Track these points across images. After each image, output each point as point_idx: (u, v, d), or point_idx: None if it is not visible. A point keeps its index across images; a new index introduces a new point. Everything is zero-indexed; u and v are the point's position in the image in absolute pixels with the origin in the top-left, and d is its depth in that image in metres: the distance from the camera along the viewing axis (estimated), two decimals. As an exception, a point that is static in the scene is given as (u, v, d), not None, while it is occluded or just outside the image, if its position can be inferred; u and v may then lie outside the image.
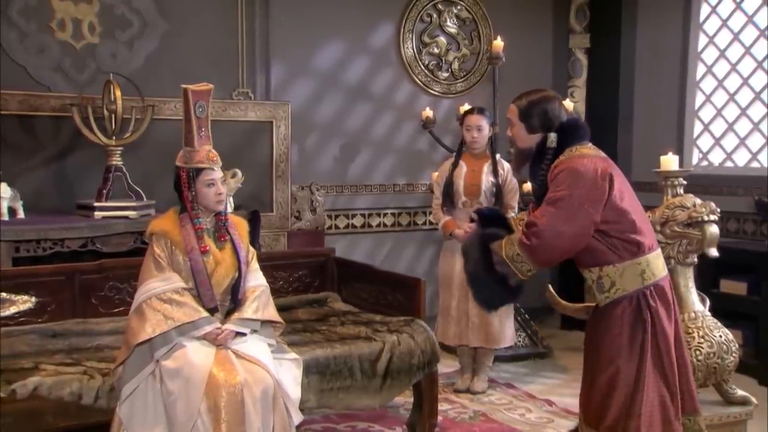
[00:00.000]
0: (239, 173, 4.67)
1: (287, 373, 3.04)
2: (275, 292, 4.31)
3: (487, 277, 2.71)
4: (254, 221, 4.69)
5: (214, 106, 4.85)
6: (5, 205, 4.10)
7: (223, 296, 3.00)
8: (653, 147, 5.39)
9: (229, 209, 4.64)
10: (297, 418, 2.98)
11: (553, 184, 2.57)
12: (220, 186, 2.99)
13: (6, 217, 4.09)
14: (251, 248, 3.18)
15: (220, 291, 2.98)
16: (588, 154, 2.61)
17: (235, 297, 3.01)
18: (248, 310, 3.00)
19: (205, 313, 2.88)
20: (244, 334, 2.97)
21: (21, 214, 4.20)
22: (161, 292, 2.85)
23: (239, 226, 3.13)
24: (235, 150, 4.92)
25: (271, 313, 3.10)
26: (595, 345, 2.65)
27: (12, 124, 4.43)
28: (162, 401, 2.78)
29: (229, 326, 2.94)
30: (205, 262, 2.94)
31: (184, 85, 2.93)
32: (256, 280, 3.12)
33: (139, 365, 2.79)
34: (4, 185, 4.10)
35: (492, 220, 2.86)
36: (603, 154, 2.67)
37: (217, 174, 2.98)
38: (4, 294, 1.60)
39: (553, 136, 2.66)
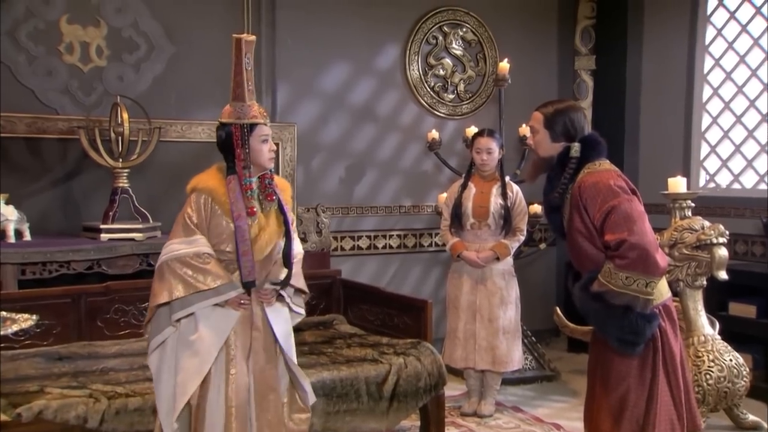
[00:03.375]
0: (245, 195, 4.69)
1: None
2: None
3: (614, 317, 2.53)
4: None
5: (220, 128, 4.91)
6: (12, 227, 4.12)
7: (261, 265, 2.82)
8: (660, 169, 5.42)
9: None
10: (311, 397, 2.96)
11: (593, 201, 2.56)
12: (271, 141, 2.86)
13: (12, 240, 4.11)
14: (290, 212, 3.02)
15: (261, 258, 2.80)
16: (612, 170, 2.66)
17: (287, 262, 2.87)
18: (292, 275, 2.90)
19: (226, 279, 2.75)
20: (282, 298, 2.88)
21: (27, 237, 4.22)
22: (182, 255, 2.73)
23: (285, 189, 2.98)
24: (241, 172, 4.94)
25: (304, 283, 3.01)
26: (602, 364, 2.64)
27: (19, 147, 4.47)
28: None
29: (269, 286, 2.85)
30: (249, 227, 2.78)
31: (235, 35, 2.82)
32: (299, 245, 3.04)
33: (162, 325, 2.77)
34: (11, 207, 4.13)
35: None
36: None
37: (269, 129, 2.86)
38: (4, 312, 1.62)
39: (576, 146, 2.67)
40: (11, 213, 4.12)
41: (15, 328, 1.51)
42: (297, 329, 4.06)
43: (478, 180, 4.49)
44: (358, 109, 5.61)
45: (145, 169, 4.69)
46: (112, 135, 4.41)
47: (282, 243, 2.87)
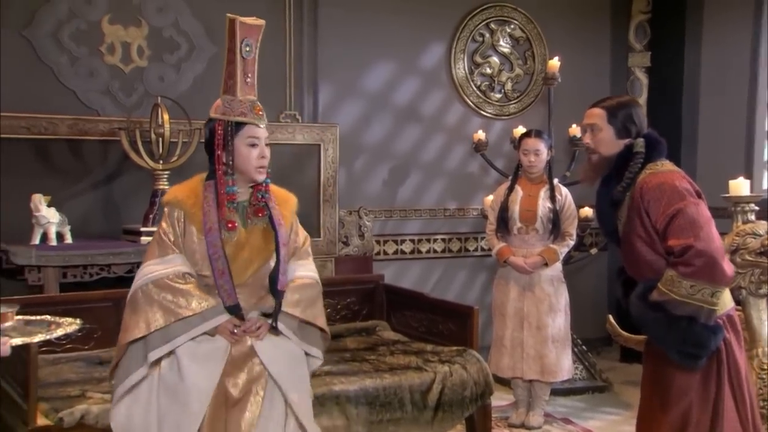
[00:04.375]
0: (286, 197, 4.73)
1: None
2: (322, 319, 4.36)
3: (675, 328, 2.45)
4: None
5: (261, 129, 4.97)
6: (54, 230, 4.21)
7: (250, 291, 2.47)
8: (720, 171, 5.29)
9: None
10: None
11: (656, 204, 2.50)
12: (264, 148, 2.48)
13: (54, 242, 4.20)
14: (302, 231, 2.66)
15: (240, 281, 2.43)
16: (676, 171, 2.60)
17: (273, 288, 2.46)
18: (285, 302, 2.48)
19: (213, 302, 2.39)
20: (276, 329, 2.48)
21: (68, 239, 4.31)
22: (159, 277, 2.38)
23: (284, 203, 2.59)
24: (282, 174, 4.96)
25: (316, 315, 2.57)
26: (660, 377, 2.57)
27: (61, 149, 4.57)
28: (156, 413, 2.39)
29: (255, 315, 2.47)
30: (225, 243, 2.41)
31: (230, 15, 2.51)
32: (307, 269, 2.61)
33: (133, 366, 2.38)
34: (53, 210, 4.23)
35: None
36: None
37: (263, 132, 2.49)
38: (47, 316, 1.67)
39: (641, 141, 2.61)
40: (53, 215, 4.21)
41: (60, 332, 1.55)
42: (338, 335, 4.09)
43: (525, 182, 4.46)
44: (401, 109, 5.62)
45: (185, 171, 4.74)
46: (153, 136, 4.49)
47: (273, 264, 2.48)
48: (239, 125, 2.45)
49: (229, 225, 2.43)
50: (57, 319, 1.68)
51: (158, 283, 2.38)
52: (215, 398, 2.38)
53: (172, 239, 2.45)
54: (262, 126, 2.49)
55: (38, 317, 1.68)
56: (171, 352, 2.38)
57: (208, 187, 2.46)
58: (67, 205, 4.47)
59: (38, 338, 1.54)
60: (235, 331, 2.44)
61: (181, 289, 2.38)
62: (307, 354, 2.59)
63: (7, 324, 1.55)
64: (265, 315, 2.49)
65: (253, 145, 2.46)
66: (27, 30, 4.52)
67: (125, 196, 4.77)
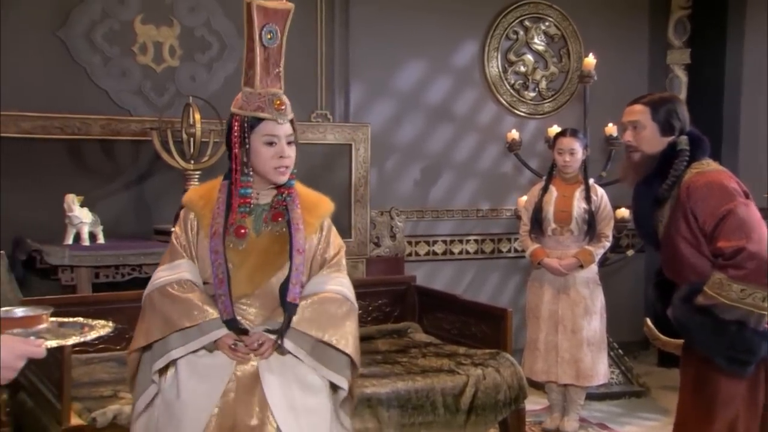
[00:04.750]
0: (317, 198, 4.74)
1: None
2: (353, 321, 4.37)
3: (723, 334, 2.39)
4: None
5: (292, 129, 5.00)
6: (86, 230, 4.28)
7: (261, 303, 2.25)
8: (762, 171, 5.22)
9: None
10: None
11: (704, 204, 2.44)
12: (285, 147, 2.24)
13: (87, 242, 4.27)
14: (336, 241, 2.38)
15: (249, 291, 2.23)
16: (722, 170, 2.55)
17: (283, 300, 2.21)
18: (298, 317, 2.21)
19: (214, 313, 2.18)
20: (282, 348, 2.21)
21: (101, 239, 4.37)
22: (162, 285, 2.23)
23: (313, 207, 2.34)
24: (313, 174, 5.00)
25: (340, 337, 2.25)
26: (703, 384, 2.50)
27: (93, 149, 4.64)
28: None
29: (260, 331, 2.22)
30: (230, 249, 2.21)
31: None
32: (337, 283, 2.32)
33: (147, 379, 2.26)
34: (85, 210, 4.29)
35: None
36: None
37: (284, 129, 2.25)
38: (80, 318, 1.68)
39: (685, 139, 2.56)
40: (86, 215, 4.28)
41: (93, 335, 1.56)
42: (369, 337, 4.10)
43: (560, 183, 4.43)
44: (434, 108, 5.61)
45: (216, 171, 4.76)
46: (184, 136, 4.54)
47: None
48: (256, 121, 2.24)
49: (241, 231, 2.22)
50: (90, 321, 1.69)
51: (162, 291, 2.23)
52: (221, 426, 2.16)
53: (184, 243, 2.30)
54: (282, 122, 2.24)
55: (71, 319, 1.69)
56: (173, 365, 2.22)
57: (223, 188, 2.28)
58: (99, 205, 4.54)
59: (72, 341, 1.56)
60: (236, 346, 2.21)
61: (180, 298, 2.19)
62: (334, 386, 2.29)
63: (42, 326, 1.57)
64: (272, 331, 2.23)
65: (271, 143, 2.23)
66: (61, 30, 4.59)
67: (157, 196, 4.82)
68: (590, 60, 4.97)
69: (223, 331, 2.20)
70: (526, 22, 5.81)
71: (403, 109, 5.53)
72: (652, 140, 2.60)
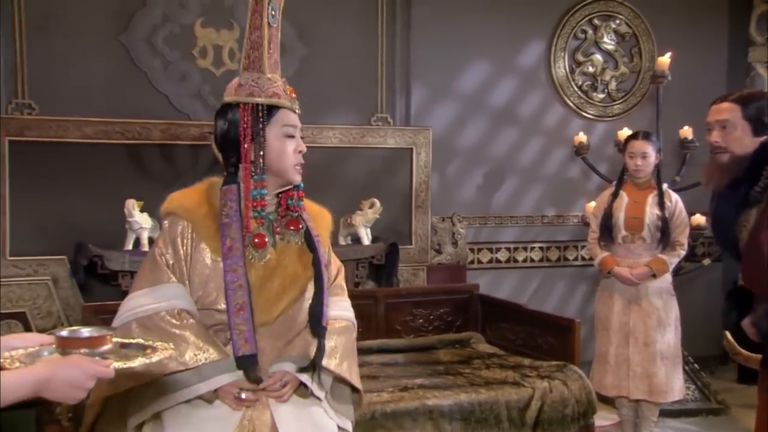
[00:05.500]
0: (377, 203, 4.77)
1: None
2: (414, 330, 4.38)
3: None
4: (392, 254, 4.77)
5: (351, 133, 5.03)
6: (146, 235, 4.37)
7: (274, 332, 1.93)
8: None
9: (366, 241, 4.75)
10: None
11: None
12: (301, 142, 2.02)
13: (147, 248, 4.35)
14: (336, 260, 2.17)
15: (270, 317, 1.91)
16: None
17: (317, 327, 1.93)
18: (323, 354, 1.94)
19: (215, 354, 1.85)
20: (305, 387, 1.93)
21: (160, 244, 4.44)
22: (146, 315, 1.86)
23: (320, 218, 2.11)
24: (373, 179, 5.03)
25: (352, 369, 2.02)
26: None
27: (153, 153, 4.73)
28: None
29: (286, 368, 1.91)
30: (250, 267, 1.90)
31: None
32: (342, 308, 2.09)
33: None
34: (145, 215, 4.38)
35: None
36: None
37: (299, 121, 2.03)
38: (141, 340, 1.68)
39: None
40: (146, 221, 4.37)
41: (156, 357, 1.58)
42: (431, 347, 4.09)
43: (631, 188, 4.35)
44: (497, 111, 5.57)
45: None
46: (243, 141, 4.59)
47: (308, 295, 1.96)
48: (270, 110, 1.96)
49: (256, 240, 1.91)
50: (152, 342, 1.69)
51: (144, 322, 1.85)
52: None
53: (171, 262, 1.93)
54: (297, 111, 2.03)
55: (133, 340, 1.70)
56: (155, 419, 1.88)
57: (228, 194, 1.93)
58: (158, 211, 4.61)
59: (137, 362, 1.58)
60: (243, 396, 1.86)
61: (173, 334, 1.83)
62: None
63: (107, 347, 1.60)
64: (301, 370, 1.94)
65: (290, 136, 1.98)
66: (123, 35, 4.71)
67: (215, 201, 4.88)
68: (664, 59, 4.87)
69: (229, 377, 1.84)
70: (596, 21, 5.73)
71: (466, 112, 5.50)
72: (742, 140, 2.52)
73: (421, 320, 4.31)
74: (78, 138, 4.43)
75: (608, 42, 5.77)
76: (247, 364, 1.84)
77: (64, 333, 1.62)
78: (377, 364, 3.84)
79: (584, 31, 5.72)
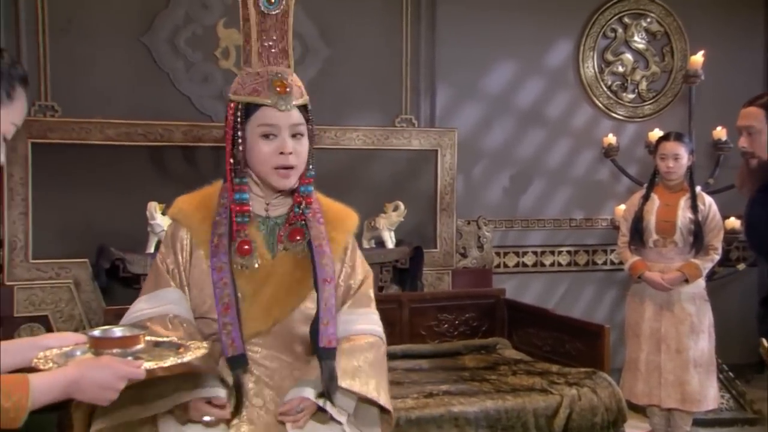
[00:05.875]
0: (401, 206, 4.75)
1: None
2: (439, 335, 4.36)
3: None
4: (417, 258, 4.75)
5: (375, 134, 5.02)
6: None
7: (273, 344, 1.89)
8: None
9: (390, 245, 4.73)
10: None
11: None
12: (287, 140, 1.85)
13: (168, 250, 4.36)
14: (362, 265, 2.05)
15: (263, 328, 1.87)
16: None
17: (315, 346, 1.86)
18: (342, 371, 1.86)
19: (207, 360, 1.79)
20: (324, 411, 1.86)
21: (182, 247, 4.46)
22: (139, 321, 1.86)
23: (339, 222, 2.00)
24: (397, 181, 5.01)
25: (380, 389, 1.91)
26: None
27: (175, 155, 4.75)
28: None
29: (305, 394, 1.84)
30: (238, 273, 1.86)
31: None
32: (368, 321, 2.00)
33: None
34: (167, 218, 4.38)
35: None
36: None
37: (288, 118, 1.85)
38: (175, 338, 1.68)
39: None
40: (167, 223, 4.37)
41: (188, 357, 1.58)
42: (456, 353, 4.07)
43: (662, 191, 4.30)
44: (524, 112, 5.53)
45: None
46: (266, 142, 4.59)
47: (312, 306, 1.89)
48: (251, 108, 1.86)
49: (244, 247, 1.85)
50: (185, 341, 1.69)
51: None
52: None
53: (171, 268, 1.92)
54: (284, 108, 1.84)
55: (166, 339, 1.70)
56: (154, 426, 1.84)
57: (225, 192, 1.91)
58: (180, 213, 4.63)
59: (170, 362, 1.57)
60: (207, 419, 1.78)
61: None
62: None
63: (139, 346, 1.61)
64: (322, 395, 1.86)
65: (266, 136, 1.85)
66: (145, 36, 4.74)
67: (237, 203, 4.89)
68: (698, 58, 4.81)
69: (201, 390, 1.76)
70: (626, 19, 5.67)
71: (492, 113, 5.47)
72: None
73: (446, 325, 4.28)
74: (100, 140, 4.45)
75: (639, 41, 5.70)
76: (238, 364, 1.82)
77: (96, 333, 1.63)
78: (401, 370, 3.83)
79: (614, 30, 5.66)
